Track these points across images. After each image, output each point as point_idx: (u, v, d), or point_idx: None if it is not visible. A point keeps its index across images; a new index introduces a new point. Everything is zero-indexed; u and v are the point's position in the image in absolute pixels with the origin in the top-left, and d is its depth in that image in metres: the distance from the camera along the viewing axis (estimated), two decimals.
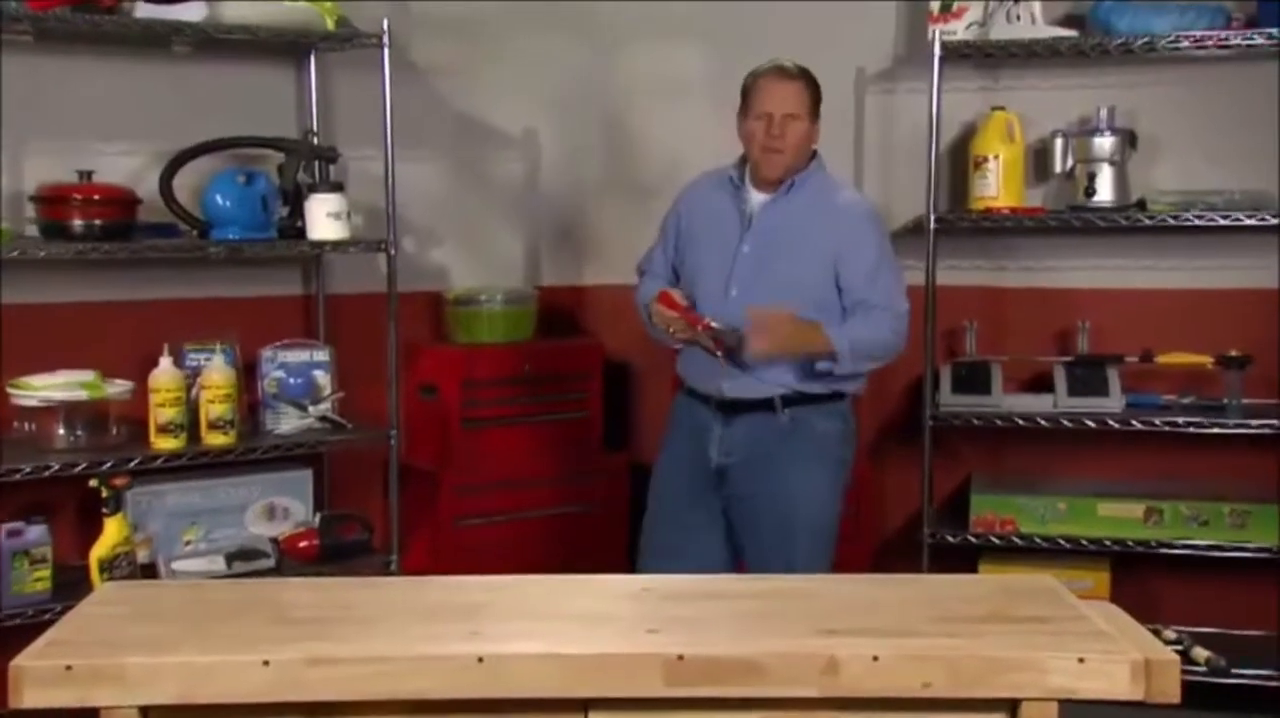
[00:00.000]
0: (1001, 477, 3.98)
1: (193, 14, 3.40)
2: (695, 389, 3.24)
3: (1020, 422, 3.77)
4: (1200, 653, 3.59)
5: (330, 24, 3.65)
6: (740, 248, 3.14)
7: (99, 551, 3.22)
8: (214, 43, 3.57)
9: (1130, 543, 3.73)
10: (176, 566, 3.44)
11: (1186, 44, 3.65)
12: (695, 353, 3.16)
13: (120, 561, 3.24)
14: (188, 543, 3.56)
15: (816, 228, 3.13)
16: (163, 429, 3.37)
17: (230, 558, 3.49)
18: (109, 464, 3.27)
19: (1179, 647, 3.55)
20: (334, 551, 3.65)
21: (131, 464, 3.31)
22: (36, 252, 3.26)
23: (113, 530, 3.25)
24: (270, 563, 3.53)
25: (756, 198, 3.18)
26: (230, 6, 3.47)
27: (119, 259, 3.38)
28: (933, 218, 3.78)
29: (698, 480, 3.21)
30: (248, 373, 3.64)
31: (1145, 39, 3.65)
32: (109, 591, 2.30)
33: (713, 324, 3.06)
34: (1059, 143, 3.84)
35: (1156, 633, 2.29)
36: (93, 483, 3.24)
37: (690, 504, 3.22)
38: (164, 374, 3.37)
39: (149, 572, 3.39)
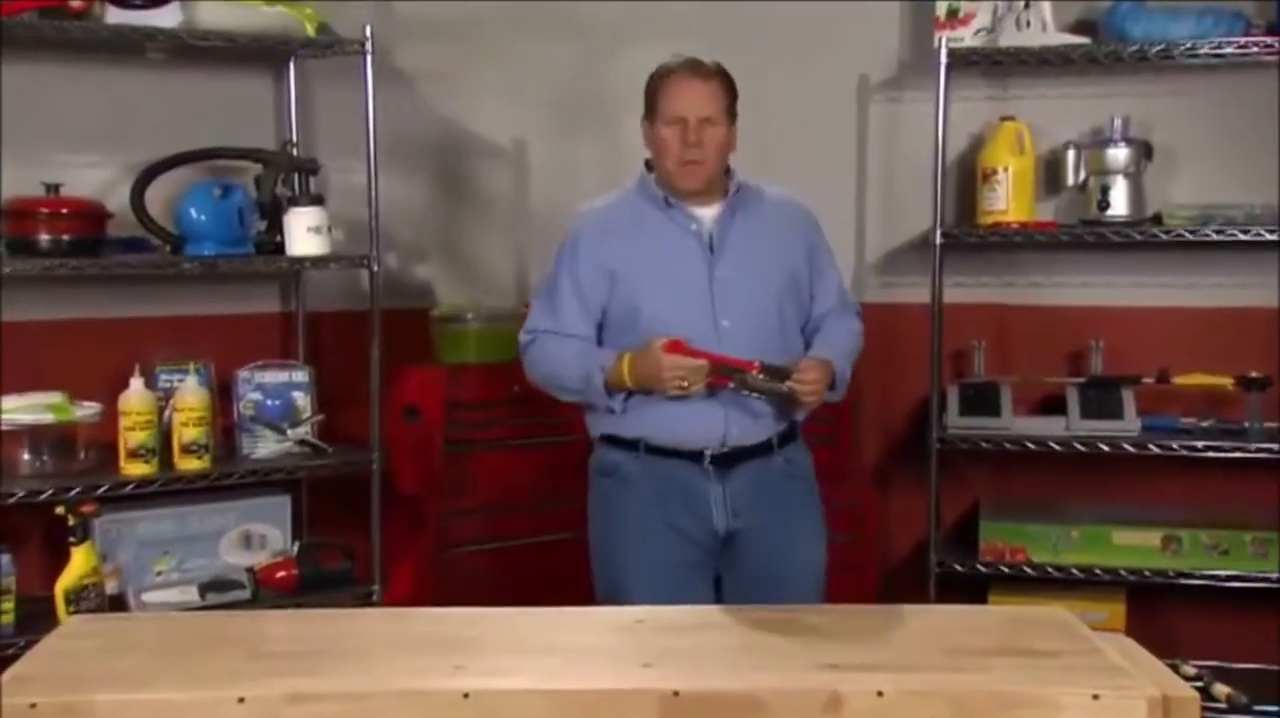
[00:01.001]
0: (1011, 503, 3.97)
1: (166, 20, 3.40)
2: (674, 448, 2.93)
3: (1031, 445, 3.77)
4: (1221, 689, 3.59)
5: (310, 30, 3.66)
6: (714, 273, 2.93)
7: (65, 581, 3.21)
8: (189, 50, 3.57)
9: (1147, 573, 3.72)
10: (147, 597, 3.43)
11: (1204, 51, 3.66)
12: (668, 404, 2.87)
13: (88, 592, 3.23)
14: (159, 573, 3.55)
15: (779, 236, 3.01)
16: (133, 454, 3.36)
17: (204, 589, 3.47)
18: (76, 491, 3.26)
19: (1198, 683, 3.54)
20: (313, 581, 3.63)
21: (100, 491, 3.30)
22: (1, 268, 3.25)
23: (80, 560, 3.23)
24: (246, 594, 3.52)
25: (704, 214, 2.96)
26: (206, 12, 3.47)
27: (88, 275, 3.38)
28: (939, 233, 3.79)
29: (694, 562, 2.92)
30: (223, 395, 3.64)
31: (1161, 46, 3.66)
32: (76, 624, 2.30)
33: (766, 364, 2.86)
34: (1071, 154, 3.86)
35: (1175, 668, 2.30)
36: (59, 510, 3.22)
37: (694, 590, 2.88)
38: (135, 396, 3.37)
39: (118, 604, 3.38)
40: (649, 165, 3.01)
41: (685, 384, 2.81)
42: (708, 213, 2.97)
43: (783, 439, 2.99)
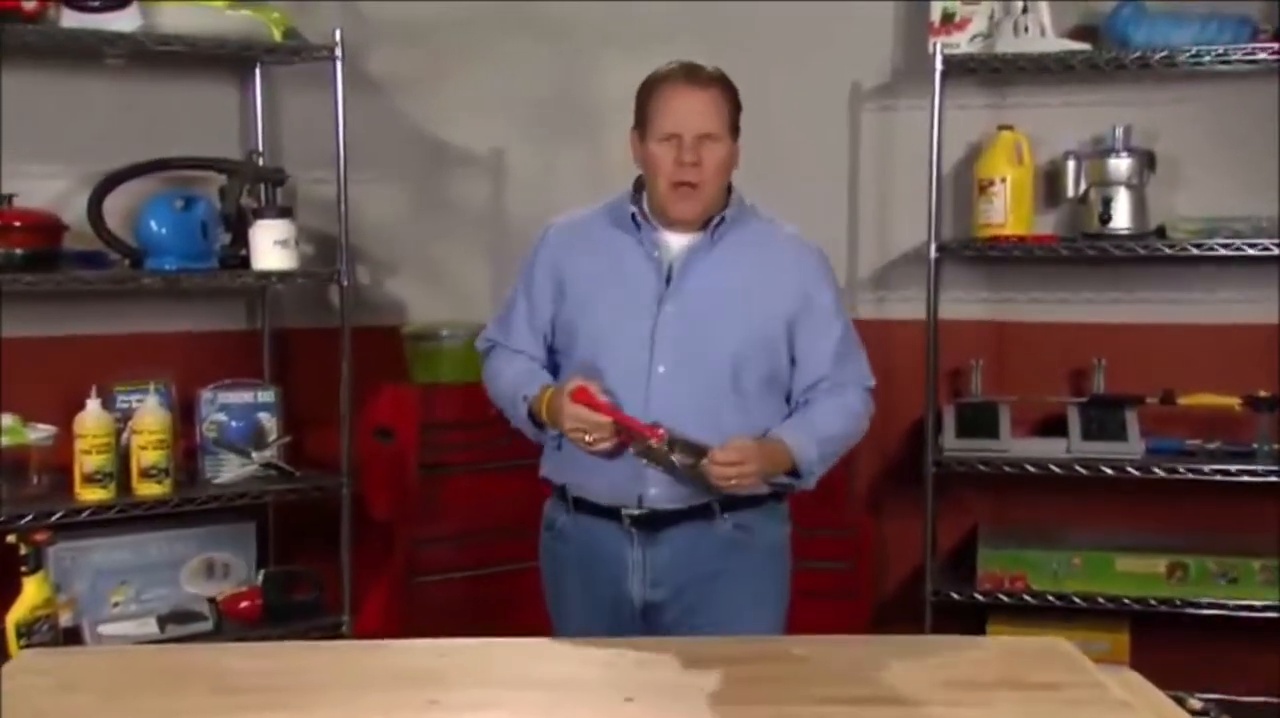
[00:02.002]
0: (1010, 529, 3.98)
1: (126, 23, 3.40)
2: (594, 501, 2.70)
3: (1031, 468, 3.77)
4: None
5: (277, 35, 3.66)
6: (662, 308, 2.63)
7: (17, 614, 3.19)
8: (149, 55, 3.57)
9: (1152, 602, 3.73)
10: (104, 630, 3.42)
11: (1209, 58, 3.68)
12: (590, 455, 2.62)
13: (41, 625, 3.20)
14: (116, 605, 3.54)
15: (762, 281, 2.68)
16: (89, 479, 3.35)
17: (164, 621, 3.46)
18: (29, 518, 3.25)
19: (1205, 717, 3.54)
20: (280, 612, 3.63)
21: (54, 518, 3.28)
22: None
23: (32, 591, 3.21)
24: (208, 626, 3.51)
25: (673, 241, 2.68)
26: (167, 15, 3.48)
27: (42, 291, 3.37)
28: (934, 246, 3.80)
29: (618, 628, 2.66)
30: (184, 416, 3.63)
31: (1164, 52, 3.68)
32: (28, 658, 2.28)
33: (674, 436, 2.56)
34: (1071, 165, 3.86)
35: (1180, 702, 2.29)
36: (11, 539, 3.20)
37: None
38: (91, 418, 3.36)
39: (73, 637, 3.36)
40: (639, 184, 2.75)
41: (586, 439, 2.56)
42: (680, 239, 2.69)
43: (733, 504, 2.65)
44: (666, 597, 2.67)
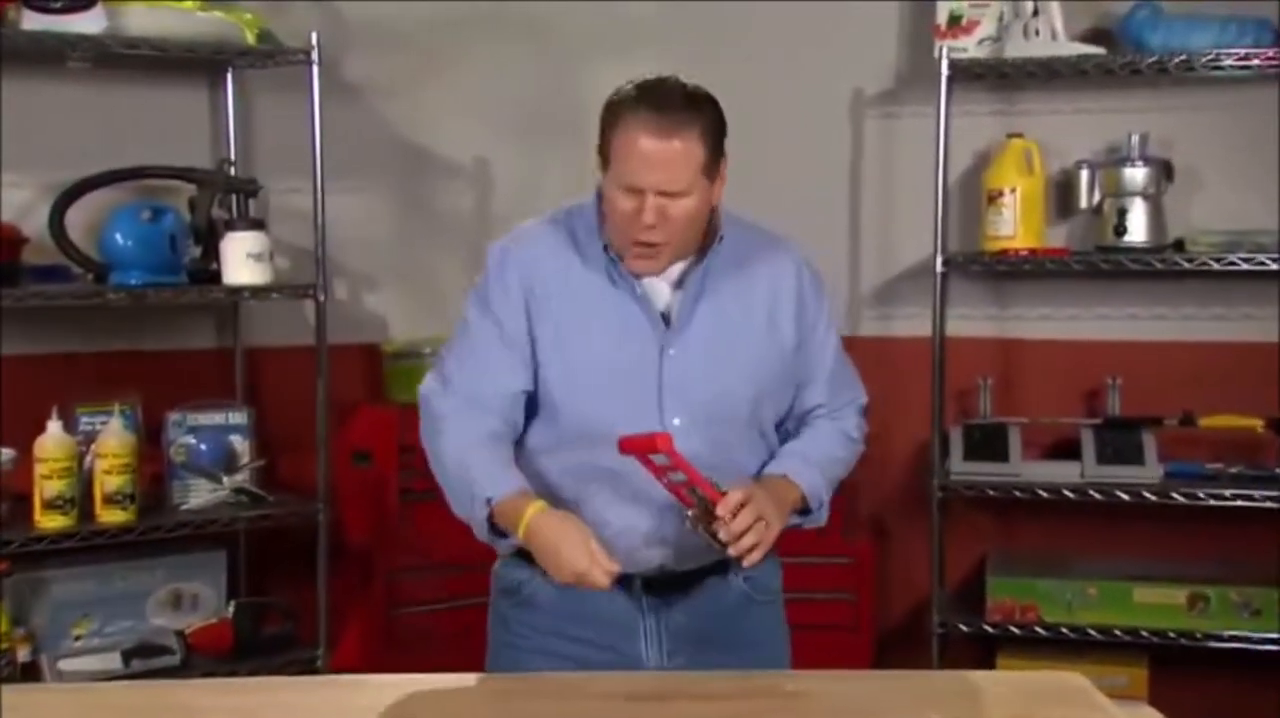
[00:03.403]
0: (1021, 557, 3.97)
1: (90, 25, 3.40)
2: None
3: (1042, 494, 3.77)
4: None
5: (250, 37, 3.66)
6: (665, 353, 2.41)
7: None
8: (115, 58, 3.57)
9: (1171, 634, 3.72)
10: (64, 665, 3.40)
11: (1229, 62, 3.68)
12: (590, 511, 2.40)
13: None
14: (78, 638, 3.52)
15: (762, 309, 2.49)
16: (49, 505, 3.33)
17: (128, 655, 3.45)
18: None
19: None
20: (252, 645, 3.62)
21: (12, 547, 3.27)
22: None
23: None
24: (176, 661, 3.50)
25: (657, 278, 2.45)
26: (134, 17, 3.48)
27: (1, 307, 3.35)
28: (940, 260, 3.80)
29: None
30: (151, 439, 3.62)
31: (1182, 57, 3.68)
32: None
33: (712, 485, 2.32)
34: (1084, 175, 3.87)
35: None
36: None
37: None
38: (52, 441, 3.34)
39: (31, 673, 3.35)
40: (602, 196, 2.47)
41: (580, 581, 2.26)
42: (669, 271, 2.45)
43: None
44: (684, 665, 2.47)
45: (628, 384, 2.40)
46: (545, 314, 2.42)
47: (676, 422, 2.39)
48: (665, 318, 2.43)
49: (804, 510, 2.51)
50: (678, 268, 2.45)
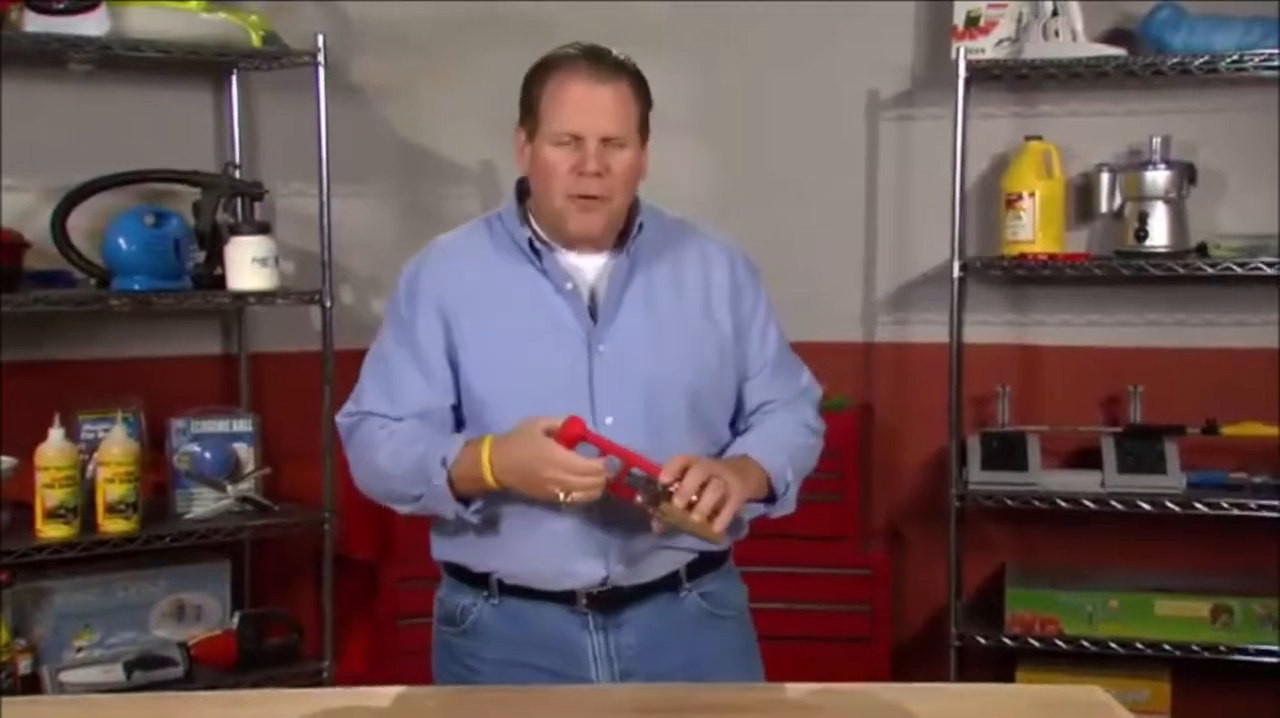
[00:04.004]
0: (1041, 568, 3.97)
1: (93, 27, 3.41)
2: (538, 587, 2.38)
3: (1062, 504, 3.76)
4: None
5: (255, 39, 3.67)
6: (594, 349, 2.35)
7: None
8: (118, 61, 3.58)
9: (1194, 648, 3.71)
10: (65, 677, 3.40)
11: (1254, 63, 3.67)
12: (528, 524, 2.34)
13: None
14: (80, 650, 3.52)
15: (698, 295, 2.43)
16: (51, 514, 3.33)
17: (131, 667, 3.46)
18: None
19: None
20: (256, 657, 3.62)
21: (13, 556, 3.27)
22: None
23: None
24: (179, 673, 3.51)
25: (584, 266, 2.40)
26: (137, 19, 3.48)
27: (2, 313, 3.35)
28: (957, 265, 3.79)
29: None
30: (155, 447, 3.63)
31: (1205, 58, 3.68)
32: None
33: (651, 463, 2.25)
34: (1105, 178, 3.87)
35: None
36: None
37: None
38: (54, 449, 3.34)
39: (32, 685, 3.35)
40: (522, 190, 2.46)
41: (569, 497, 2.22)
42: (592, 263, 2.41)
43: (697, 569, 2.42)
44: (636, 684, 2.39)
45: (557, 386, 2.33)
46: (464, 327, 2.37)
47: (609, 420, 2.32)
48: (593, 314, 2.37)
49: (769, 498, 2.40)
50: (600, 260, 2.40)
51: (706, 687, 2.32)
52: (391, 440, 2.38)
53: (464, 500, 2.33)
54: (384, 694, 2.30)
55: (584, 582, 2.35)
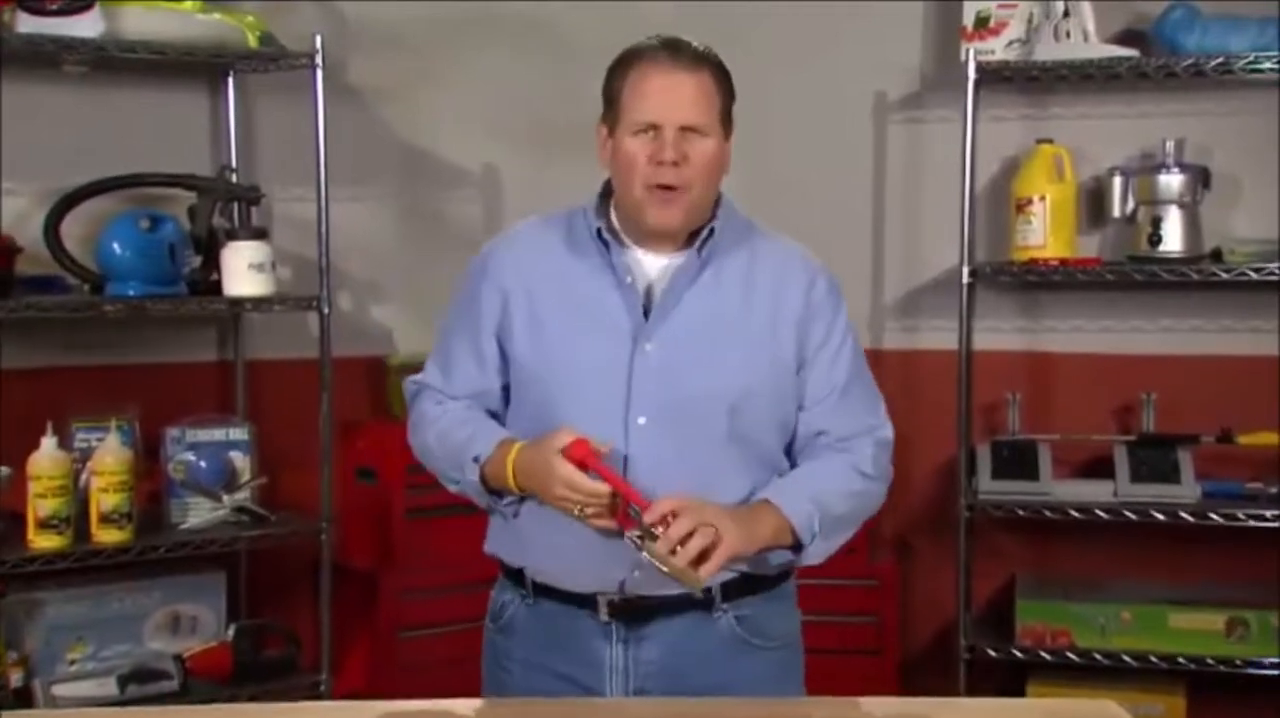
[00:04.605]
0: (1052, 579, 3.96)
1: (87, 29, 3.40)
2: (563, 588, 2.38)
3: (1074, 513, 3.75)
4: None
5: (252, 41, 3.66)
6: (639, 348, 2.32)
7: None
8: (112, 63, 3.57)
9: (1209, 661, 3.71)
10: (58, 690, 3.39)
11: (1268, 65, 3.67)
12: (560, 524, 2.30)
13: None
14: (73, 663, 3.52)
15: (765, 309, 2.38)
16: (44, 524, 3.33)
17: (125, 681, 3.44)
18: None
19: None
20: (252, 669, 3.61)
21: (4, 567, 3.27)
22: None
23: None
24: (174, 686, 3.49)
25: (650, 264, 2.39)
26: (132, 20, 3.48)
27: None
28: (967, 270, 3.79)
29: None
30: (149, 455, 3.62)
31: (1219, 60, 3.67)
32: None
33: (642, 496, 2.23)
34: (1117, 182, 3.86)
35: None
36: None
37: None
38: (46, 458, 3.33)
39: (24, 699, 3.35)
40: (607, 190, 2.46)
41: (577, 512, 2.24)
42: (658, 261, 2.39)
43: (735, 590, 2.35)
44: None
45: (595, 379, 2.33)
46: (521, 311, 2.40)
47: (641, 420, 2.30)
48: (648, 311, 2.36)
49: (795, 546, 2.33)
50: (666, 260, 2.38)
51: (712, 702, 2.30)
52: (442, 420, 2.43)
53: (497, 494, 2.36)
54: (383, 708, 2.30)
55: (603, 584, 2.33)
